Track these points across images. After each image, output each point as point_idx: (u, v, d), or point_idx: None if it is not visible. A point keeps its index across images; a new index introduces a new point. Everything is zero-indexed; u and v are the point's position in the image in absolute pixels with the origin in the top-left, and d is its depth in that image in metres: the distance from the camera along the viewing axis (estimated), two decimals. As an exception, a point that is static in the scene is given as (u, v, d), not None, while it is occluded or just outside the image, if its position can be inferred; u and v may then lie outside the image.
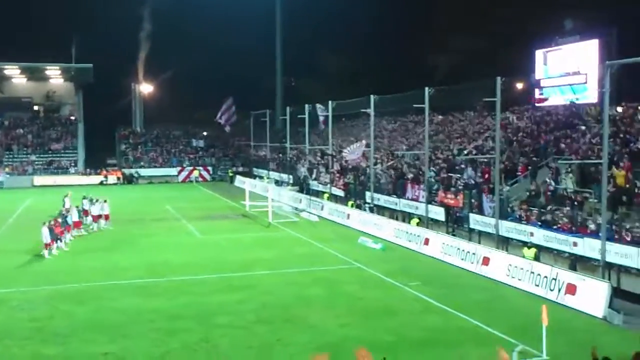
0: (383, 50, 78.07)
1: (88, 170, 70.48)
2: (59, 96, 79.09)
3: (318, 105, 48.70)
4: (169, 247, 31.52)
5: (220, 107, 64.27)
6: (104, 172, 69.52)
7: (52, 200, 51.60)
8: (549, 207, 27.79)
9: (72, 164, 71.48)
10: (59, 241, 30.08)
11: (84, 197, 37.94)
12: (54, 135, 74.71)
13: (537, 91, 42.34)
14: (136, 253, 29.87)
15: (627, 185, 25.44)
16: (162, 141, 79.30)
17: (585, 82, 38.01)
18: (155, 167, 73.88)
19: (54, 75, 76.73)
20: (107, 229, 36.48)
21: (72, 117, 77.47)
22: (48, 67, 73.64)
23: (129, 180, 69.48)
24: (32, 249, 30.55)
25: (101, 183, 66.12)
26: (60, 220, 31.18)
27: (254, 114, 70.83)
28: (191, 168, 73.03)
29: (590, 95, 37.71)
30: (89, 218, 36.43)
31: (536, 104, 42.10)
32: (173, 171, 72.90)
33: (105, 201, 37.07)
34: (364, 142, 42.07)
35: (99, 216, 36.49)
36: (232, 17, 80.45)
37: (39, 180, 66.81)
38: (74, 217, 33.77)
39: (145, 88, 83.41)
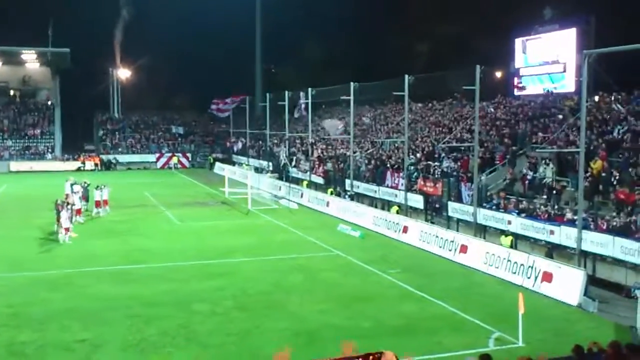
0: (363, 37, 77.92)
1: (65, 156, 69.81)
2: (35, 81, 78.05)
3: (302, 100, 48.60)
4: (146, 234, 31.33)
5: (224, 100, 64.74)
6: (82, 158, 68.84)
7: (29, 185, 51.22)
8: (533, 197, 28.04)
9: (49, 150, 70.71)
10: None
11: (76, 183, 37.50)
12: (30, 121, 73.76)
13: (516, 80, 42.69)
14: (113, 240, 29.59)
15: (604, 174, 25.69)
16: (140, 127, 78.68)
17: (564, 71, 38.42)
18: (133, 153, 73.38)
19: (30, 59, 75.58)
20: (107, 215, 36.14)
21: (49, 102, 76.53)
22: (24, 52, 72.50)
23: (107, 166, 68.91)
24: (8, 235, 30.26)
25: (79, 169, 65.41)
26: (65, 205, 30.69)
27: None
28: (170, 154, 72.60)
29: (568, 84, 38.13)
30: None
31: (515, 92, 42.42)
32: (152, 157, 72.44)
33: (104, 186, 36.70)
34: (341, 123, 42.47)
35: (98, 202, 36.11)
36: (212, 3, 79.83)
37: (15, 166, 66.03)
38: (76, 203, 33.37)
39: (124, 73, 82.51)
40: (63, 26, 72.48)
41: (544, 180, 28.49)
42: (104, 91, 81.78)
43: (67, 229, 28.75)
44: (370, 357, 5.32)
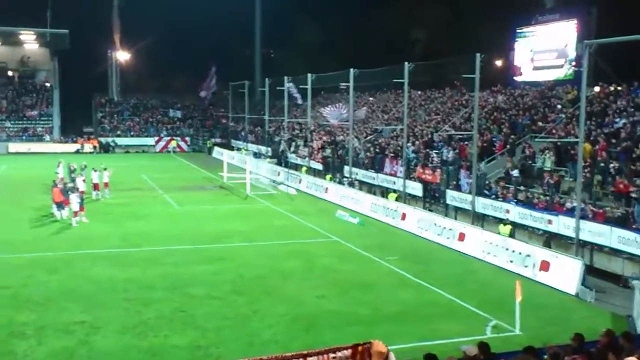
0: (363, 22, 77.50)
1: (63, 138, 69.62)
2: (34, 62, 77.60)
3: (290, 85, 48.79)
4: (144, 217, 31.32)
5: (204, 80, 64.72)
6: (80, 140, 68.68)
7: (28, 167, 51.15)
8: (531, 186, 28.06)
9: (48, 132, 70.52)
10: (62, 210, 29.54)
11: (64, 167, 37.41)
12: (29, 102, 73.51)
13: (515, 68, 42.63)
14: (111, 222, 29.60)
15: (602, 164, 25.71)
16: (139, 110, 78.48)
17: (564, 61, 38.33)
18: (132, 136, 73.23)
19: (29, 40, 75.12)
20: (105, 197, 36.05)
21: (48, 84, 76.23)
22: (23, 32, 72.14)
23: (105, 149, 68.79)
24: (5, 216, 30.24)
25: (77, 151, 65.28)
26: (60, 187, 30.43)
27: (232, 85, 70.26)
28: (169, 138, 72.44)
29: (568, 74, 38.05)
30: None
31: (515, 79, 42.34)
32: (150, 141, 72.27)
33: (105, 169, 36.56)
34: (344, 108, 42.44)
35: (96, 184, 35.90)
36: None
37: (13, 147, 65.89)
38: (80, 186, 32.96)
39: (123, 56, 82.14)
40: (62, 7, 72.01)
41: (544, 169, 28.52)
42: (103, 73, 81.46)
43: (76, 213, 28.64)
44: (359, 347, 5.29)
